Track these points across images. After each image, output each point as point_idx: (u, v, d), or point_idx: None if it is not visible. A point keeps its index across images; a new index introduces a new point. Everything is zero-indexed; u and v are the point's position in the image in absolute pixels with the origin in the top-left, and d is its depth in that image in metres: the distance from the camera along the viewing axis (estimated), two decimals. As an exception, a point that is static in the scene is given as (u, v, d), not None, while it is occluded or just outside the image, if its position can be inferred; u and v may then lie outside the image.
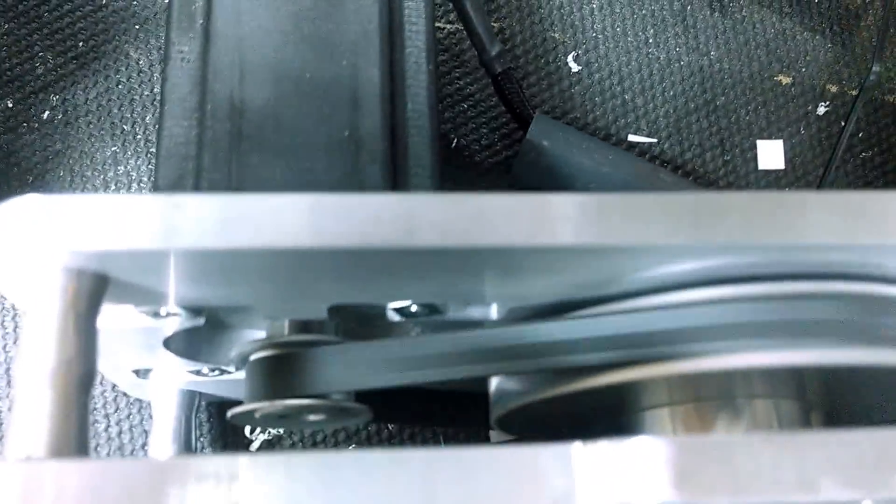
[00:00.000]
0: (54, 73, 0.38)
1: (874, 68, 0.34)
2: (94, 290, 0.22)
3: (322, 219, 0.21)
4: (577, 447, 0.19)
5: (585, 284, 0.23)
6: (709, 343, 0.22)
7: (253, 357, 0.28)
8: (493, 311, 0.26)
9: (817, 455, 0.19)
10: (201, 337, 0.29)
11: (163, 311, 0.25)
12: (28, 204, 0.21)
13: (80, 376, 0.21)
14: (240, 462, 0.19)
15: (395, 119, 0.29)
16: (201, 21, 0.30)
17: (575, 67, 0.41)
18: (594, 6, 0.41)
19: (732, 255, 0.22)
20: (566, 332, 0.23)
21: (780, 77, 0.41)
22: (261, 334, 0.28)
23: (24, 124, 0.38)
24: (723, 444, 0.19)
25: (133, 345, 0.28)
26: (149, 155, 0.37)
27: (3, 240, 0.21)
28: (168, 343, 0.28)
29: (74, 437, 0.20)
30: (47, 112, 0.38)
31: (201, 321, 0.26)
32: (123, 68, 0.39)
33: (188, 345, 0.29)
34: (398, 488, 0.19)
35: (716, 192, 0.37)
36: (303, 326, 0.28)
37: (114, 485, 0.19)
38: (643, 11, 0.41)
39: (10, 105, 0.38)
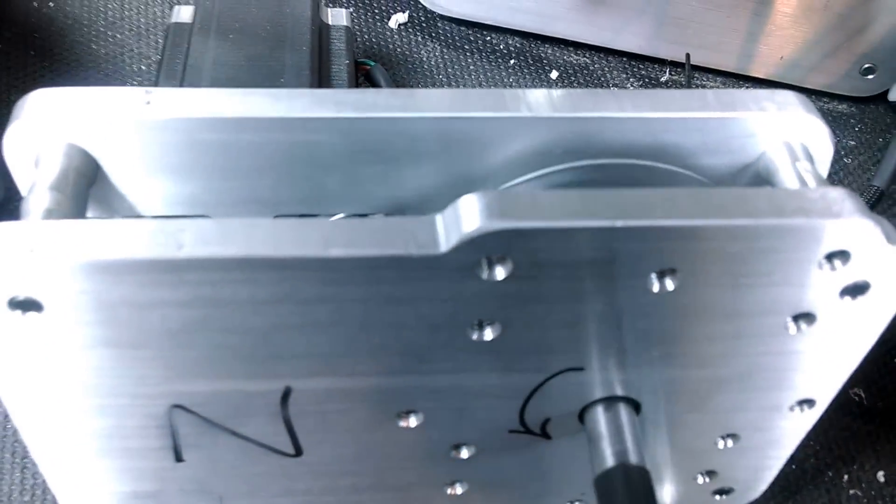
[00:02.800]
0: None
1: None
2: (86, 166, 0.28)
3: (267, 101, 0.28)
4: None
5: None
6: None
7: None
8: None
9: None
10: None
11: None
12: (38, 95, 0.28)
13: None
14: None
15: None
16: (181, 69, 0.38)
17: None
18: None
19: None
20: None
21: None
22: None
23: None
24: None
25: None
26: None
27: (21, 123, 0.27)
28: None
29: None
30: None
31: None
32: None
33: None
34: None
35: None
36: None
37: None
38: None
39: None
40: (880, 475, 0.40)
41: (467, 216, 0.24)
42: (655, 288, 0.26)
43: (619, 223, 0.24)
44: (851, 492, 0.39)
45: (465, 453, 0.32)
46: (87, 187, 0.28)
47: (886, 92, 0.53)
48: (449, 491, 0.33)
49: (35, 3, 0.54)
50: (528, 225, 0.24)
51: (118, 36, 0.53)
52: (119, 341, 0.26)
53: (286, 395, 0.28)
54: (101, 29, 0.53)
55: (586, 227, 0.24)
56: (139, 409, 0.28)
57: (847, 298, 0.27)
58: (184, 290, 0.24)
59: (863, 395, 0.42)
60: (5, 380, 0.26)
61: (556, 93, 0.29)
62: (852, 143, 0.52)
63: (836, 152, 0.52)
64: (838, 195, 0.25)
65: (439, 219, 0.25)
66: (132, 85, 0.50)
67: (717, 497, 0.36)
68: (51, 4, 0.54)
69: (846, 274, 0.26)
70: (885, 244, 0.25)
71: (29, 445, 0.29)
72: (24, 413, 0.27)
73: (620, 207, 0.24)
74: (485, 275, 0.25)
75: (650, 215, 0.24)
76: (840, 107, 0.54)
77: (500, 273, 0.25)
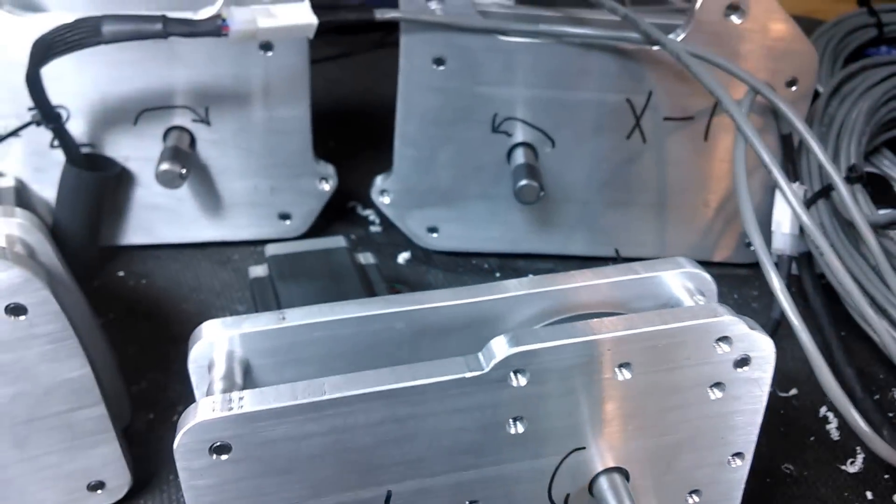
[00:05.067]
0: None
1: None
2: (243, 363, 0.42)
3: (359, 306, 0.42)
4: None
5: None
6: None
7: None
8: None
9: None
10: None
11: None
12: (207, 324, 0.42)
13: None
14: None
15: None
16: (275, 304, 0.53)
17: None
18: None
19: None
20: None
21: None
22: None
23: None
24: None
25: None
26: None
27: (201, 343, 0.41)
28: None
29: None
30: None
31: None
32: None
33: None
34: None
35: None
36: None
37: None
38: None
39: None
40: (819, 525, 0.52)
41: (498, 347, 0.38)
42: (619, 377, 0.39)
43: (593, 337, 0.38)
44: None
45: (513, 537, 0.43)
46: (243, 377, 0.41)
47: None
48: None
49: (131, 283, 0.69)
50: (536, 346, 0.38)
51: (201, 297, 0.68)
52: (274, 469, 0.38)
53: (388, 499, 0.40)
54: (186, 293, 0.68)
55: (572, 342, 0.38)
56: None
57: (739, 369, 0.40)
58: (324, 422, 0.37)
59: (792, 469, 0.55)
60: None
61: (540, 277, 0.44)
62: (755, 293, 0.68)
63: (745, 301, 0.67)
64: (718, 306, 0.40)
65: (480, 354, 0.39)
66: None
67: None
68: (143, 282, 0.70)
69: (733, 352, 0.40)
70: (750, 331, 0.40)
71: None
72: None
73: (591, 329, 0.38)
74: (514, 383, 0.38)
75: (613, 331, 0.38)
76: (740, 271, 0.70)
77: (523, 380, 0.38)
